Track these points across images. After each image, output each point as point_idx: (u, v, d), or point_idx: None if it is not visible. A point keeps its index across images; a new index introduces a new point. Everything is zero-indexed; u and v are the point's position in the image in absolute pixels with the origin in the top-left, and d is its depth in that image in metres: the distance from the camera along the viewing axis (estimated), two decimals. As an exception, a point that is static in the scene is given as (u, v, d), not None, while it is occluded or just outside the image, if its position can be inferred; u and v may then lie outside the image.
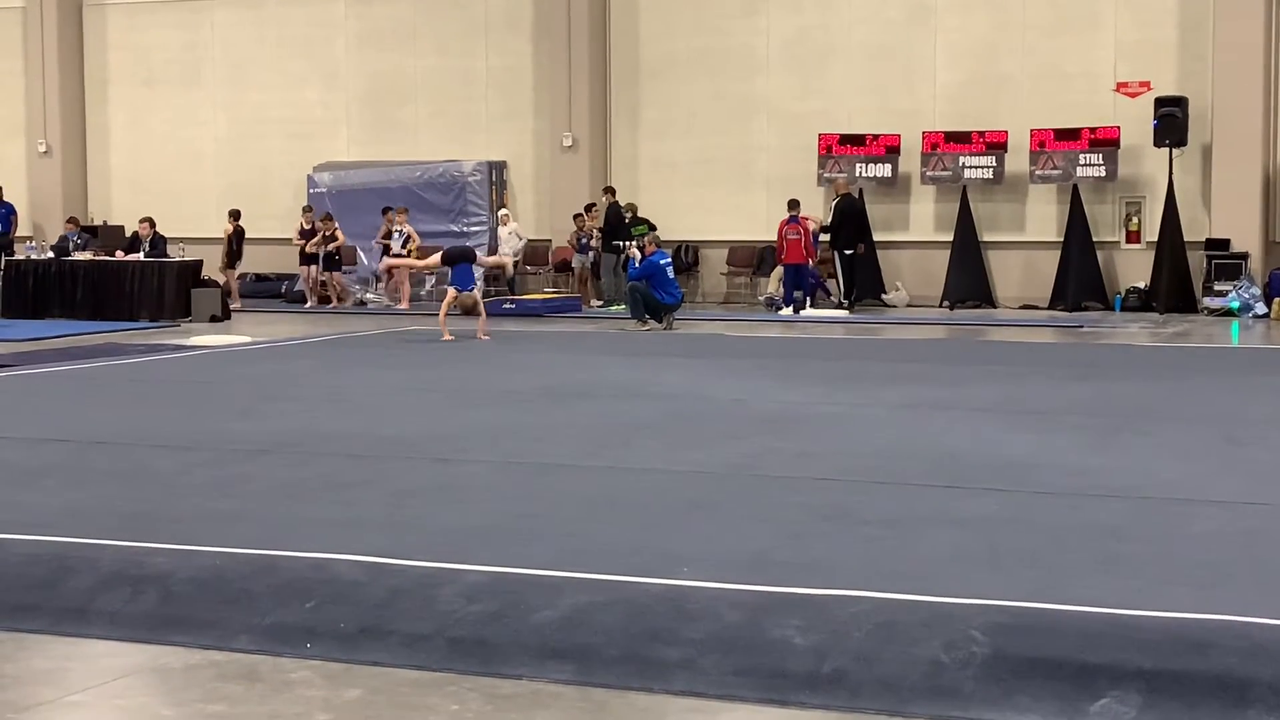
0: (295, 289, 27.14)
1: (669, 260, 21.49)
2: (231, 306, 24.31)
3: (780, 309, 23.74)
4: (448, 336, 17.78)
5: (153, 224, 24.39)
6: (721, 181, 26.04)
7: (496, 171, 27.40)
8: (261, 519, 7.37)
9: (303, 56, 28.72)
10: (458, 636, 5.50)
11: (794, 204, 23.67)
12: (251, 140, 29.04)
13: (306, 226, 25.84)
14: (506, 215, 26.41)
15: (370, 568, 6.16)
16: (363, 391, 13.14)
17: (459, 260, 18.99)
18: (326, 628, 5.65)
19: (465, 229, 26.99)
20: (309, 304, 25.69)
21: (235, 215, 26.28)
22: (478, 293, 18.83)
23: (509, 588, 5.88)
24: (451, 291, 18.41)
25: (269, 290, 27.54)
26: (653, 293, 20.72)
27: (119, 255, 23.82)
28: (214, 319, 22.16)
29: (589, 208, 25.79)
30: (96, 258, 23.77)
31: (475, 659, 5.37)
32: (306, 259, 25.81)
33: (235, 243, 26.14)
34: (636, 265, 21.20)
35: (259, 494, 8.08)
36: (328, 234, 25.60)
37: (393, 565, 6.20)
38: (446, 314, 18.29)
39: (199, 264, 23.42)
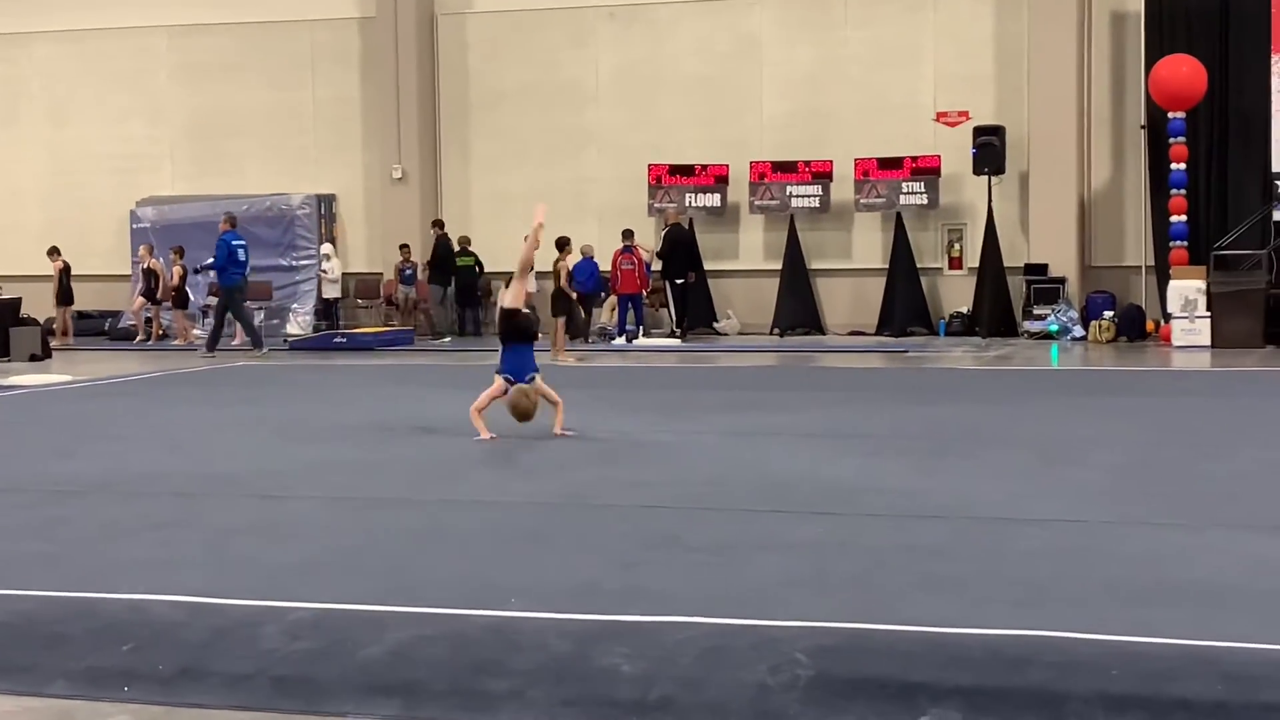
0: (120, 325, 26.66)
1: (244, 242, 22.30)
2: (63, 345, 23.86)
3: (614, 339, 23.84)
4: (487, 436, 11.46)
5: (-32, 262, 23.75)
6: (554, 213, 25.88)
7: (326, 205, 27.15)
8: (79, 561, 7.18)
9: (125, 90, 28.19)
10: (281, 675, 5.41)
11: (628, 234, 23.80)
12: (73, 176, 28.40)
13: (145, 265, 25.49)
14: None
15: (190, 608, 6.04)
16: (187, 429, 12.89)
17: (516, 339, 11.96)
18: (145, 670, 5.51)
19: (294, 263, 26.73)
20: (180, 342, 25.11)
21: (56, 252, 25.74)
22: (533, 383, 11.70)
23: (334, 624, 5.80)
24: (499, 383, 11.66)
25: (92, 328, 26.97)
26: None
27: (-66, 295, 23.17)
28: (34, 358, 21.62)
29: (403, 247, 25.89)
30: (-89, 298, 23.08)
31: (299, 697, 5.28)
32: (180, 300, 25.32)
33: (64, 279, 25.61)
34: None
35: (77, 536, 7.87)
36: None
37: (214, 605, 6.08)
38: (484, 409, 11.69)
39: (17, 302, 22.86)
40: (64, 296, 25.70)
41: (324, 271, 25.89)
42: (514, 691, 5.22)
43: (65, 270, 25.67)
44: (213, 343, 22.32)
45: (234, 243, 22.33)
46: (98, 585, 6.50)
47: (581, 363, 19.89)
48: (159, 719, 5.20)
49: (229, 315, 22.63)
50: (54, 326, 25.32)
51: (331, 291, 26.18)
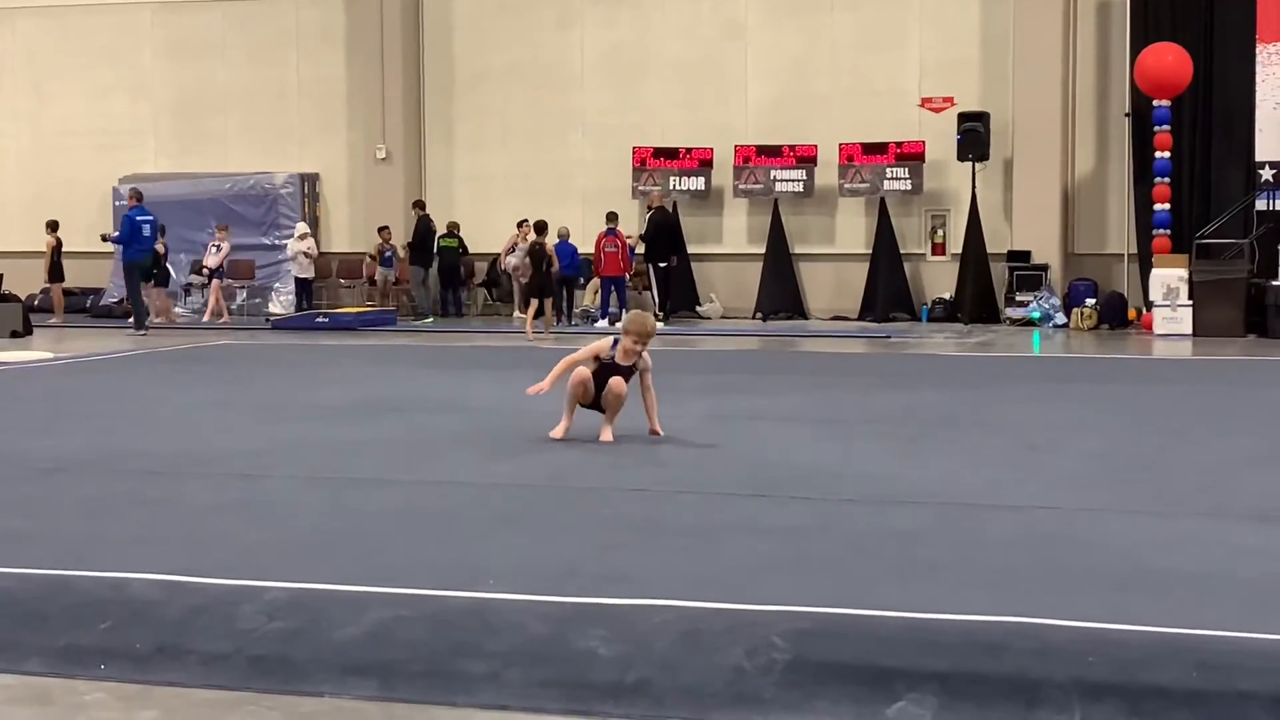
0: (101, 303, 26.58)
1: (151, 218, 22.61)
2: (52, 322, 23.85)
3: (597, 321, 23.82)
4: (539, 389, 10.52)
5: (-52, 239, 23.68)
6: (538, 195, 26.07)
7: (309, 184, 27.08)
8: (57, 538, 7.15)
9: (108, 66, 28.08)
10: (258, 655, 5.40)
11: (612, 217, 23.78)
12: (55, 152, 28.30)
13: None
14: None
15: (168, 586, 6.01)
16: (167, 408, 12.86)
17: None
18: (122, 648, 5.50)
19: (277, 241, 26.66)
20: (162, 320, 24.98)
21: (54, 227, 25.61)
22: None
23: (311, 604, 5.78)
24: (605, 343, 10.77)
25: (74, 305, 26.89)
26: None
27: (-88, 270, 23.10)
28: (14, 334, 21.56)
29: (382, 230, 25.81)
30: (-111, 273, 23.01)
31: (276, 677, 5.27)
32: (161, 278, 25.23)
33: (55, 255, 25.50)
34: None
35: (55, 513, 7.84)
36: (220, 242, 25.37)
37: (191, 583, 6.06)
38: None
39: (-3, 278, 22.83)
40: (55, 273, 25.54)
41: (306, 253, 25.71)
42: (491, 673, 5.21)
43: (57, 246, 25.52)
44: (139, 321, 22.58)
45: (139, 219, 22.50)
46: (75, 563, 6.47)
47: (535, 342, 20.00)
48: (135, 697, 5.18)
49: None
50: (37, 303, 25.21)
51: (306, 271, 25.92)
